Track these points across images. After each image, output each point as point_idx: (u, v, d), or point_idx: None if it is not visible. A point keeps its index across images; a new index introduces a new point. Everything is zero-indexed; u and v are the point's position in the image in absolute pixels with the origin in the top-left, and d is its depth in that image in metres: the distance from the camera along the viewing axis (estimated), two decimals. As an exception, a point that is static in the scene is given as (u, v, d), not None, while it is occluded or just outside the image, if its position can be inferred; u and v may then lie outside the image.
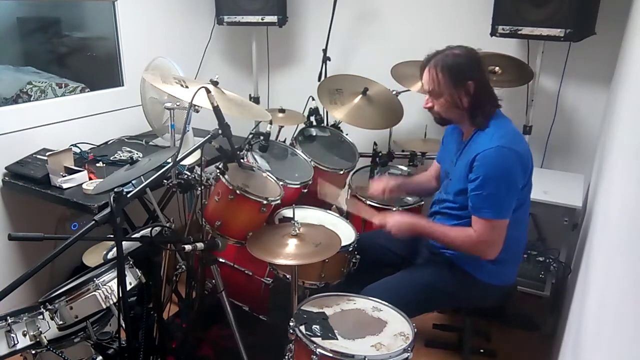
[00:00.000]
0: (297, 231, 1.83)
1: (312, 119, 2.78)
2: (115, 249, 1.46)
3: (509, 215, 1.74)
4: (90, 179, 2.31)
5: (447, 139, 2.07)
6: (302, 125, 2.78)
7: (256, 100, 3.49)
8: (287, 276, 1.95)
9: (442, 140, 2.12)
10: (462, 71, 1.77)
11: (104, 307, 1.56)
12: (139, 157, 2.55)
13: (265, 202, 1.96)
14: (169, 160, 1.72)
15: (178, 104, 2.10)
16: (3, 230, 2.48)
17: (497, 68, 2.53)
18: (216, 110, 1.71)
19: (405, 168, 2.80)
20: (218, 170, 1.94)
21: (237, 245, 2.03)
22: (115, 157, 2.60)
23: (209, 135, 1.74)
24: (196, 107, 1.81)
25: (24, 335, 1.52)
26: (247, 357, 2.00)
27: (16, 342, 1.49)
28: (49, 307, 1.53)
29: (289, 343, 1.59)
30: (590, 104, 2.74)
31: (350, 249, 2.00)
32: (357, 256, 2.04)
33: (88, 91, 2.89)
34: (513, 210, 1.76)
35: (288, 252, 1.76)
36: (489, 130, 1.78)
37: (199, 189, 1.97)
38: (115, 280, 1.55)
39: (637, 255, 0.79)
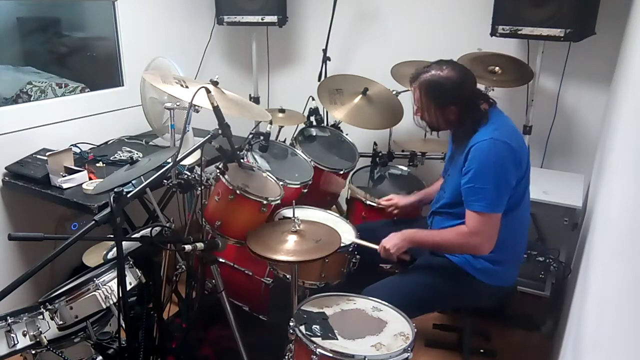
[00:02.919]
0: (297, 227, 1.82)
1: (312, 119, 2.79)
2: (115, 249, 1.46)
3: (502, 209, 1.73)
4: (90, 179, 2.31)
5: (450, 138, 2.07)
6: (302, 125, 2.78)
7: (256, 100, 3.49)
8: (287, 276, 1.95)
9: (449, 140, 2.12)
10: (444, 95, 1.80)
11: (104, 307, 1.56)
12: (139, 157, 2.54)
13: (265, 202, 1.96)
14: (169, 160, 1.72)
15: (178, 104, 2.10)
16: (3, 230, 2.48)
17: (497, 68, 2.53)
18: (216, 110, 1.71)
19: (405, 168, 2.80)
20: (218, 170, 1.94)
21: (237, 245, 2.03)
22: (115, 157, 2.60)
23: (209, 135, 1.74)
24: (196, 107, 1.81)
25: (24, 335, 1.52)
26: (247, 357, 2.01)
27: (16, 342, 1.50)
28: (49, 307, 1.53)
29: (289, 343, 1.59)
30: (590, 104, 2.74)
31: (350, 249, 2.00)
32: (357, 256, 2.04)
33: (88, 91, 2.89)
34: (512, 210, 1.76)
35: (288, 249, 1.75)
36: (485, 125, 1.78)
37: (199, 189, 1.97)
38: (115, 280, 1.55)
39: (637, 255, 0.79)
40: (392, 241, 1.88)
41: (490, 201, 1.71)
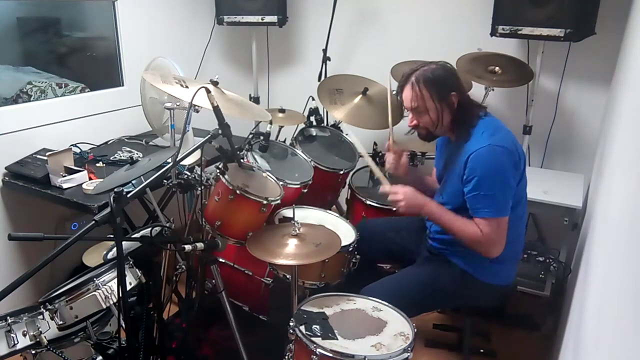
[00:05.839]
0: (297, 231, 1.83)
1: (312, 119, 2.79)
2: (115, 249, 1.46)
3: (508, 212, 1.74)
4: (90, 179, 2.31)
5: (440, 143, 2.10)
6: (302, 125, 2.79)
7: (256, 100, 3.49)
8: (287, 276, 1.95)
9: (436, 145, 2.13)
10: (444, 83, 1.79)
11: (104, 307, 1.56)
12: (139, 157, 2.54)
13: (265, 202, 1.96)
14: (169, 160, 1.72)
15: (178, 104, 2.10)
16: (3, 230, 2.48)
17: (497, 68, 2.53)
18: (216, 110, 1.71)
19: (405, 168, 2.79)
20: (218, 170, 1.94)
21: (237, 245, 2.03)
22: (115, 157, 2.60)
23: (209, 135, 1.74)
24: (196, 107, 1.81)
25: (24, 335, 1.52)
26: (247, 357, 2.01)
27: (16, 342, 1.50)
28: (49, 307, 1.53)
29: (289, 343, 1.59)
30: (590, 104, 2.74)
31: (350, 249, 2.00)
32: (357, 256, 2.04)
33: (88, 91, 2.89)
34: (511, 209, 1.76)
35: (288, 252, 1.76)
36: (478, 130, 1.79)
37: (199, 189, 1.97)
38: (115, 280, 1.55)
39: (637, 255, 0.79)
40: (410, 203, 1.82)
41: (497, 206, 1.72)
